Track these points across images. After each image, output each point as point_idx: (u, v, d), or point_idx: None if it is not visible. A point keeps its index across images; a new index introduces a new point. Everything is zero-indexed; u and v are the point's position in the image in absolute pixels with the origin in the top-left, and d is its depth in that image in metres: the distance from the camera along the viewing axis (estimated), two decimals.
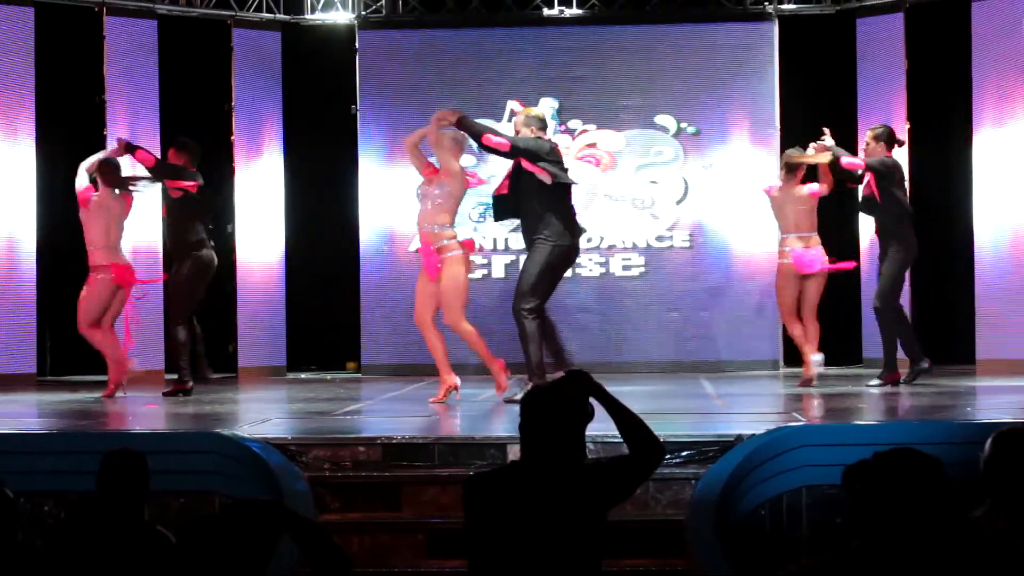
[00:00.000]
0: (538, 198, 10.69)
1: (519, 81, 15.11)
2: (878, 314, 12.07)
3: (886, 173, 11.89)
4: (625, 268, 15.04)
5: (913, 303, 14.18)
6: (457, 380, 11.06)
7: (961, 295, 14.34)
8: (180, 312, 12.17)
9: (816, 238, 12.37)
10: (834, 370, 13.61)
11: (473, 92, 15.03)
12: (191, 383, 12.05)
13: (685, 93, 15.04)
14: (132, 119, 14.47)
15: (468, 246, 11.11)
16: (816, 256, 12.30)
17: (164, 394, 11.97)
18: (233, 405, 11.98)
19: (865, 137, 12.29)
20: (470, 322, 10.99)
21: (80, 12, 14.48)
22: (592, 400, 4.98)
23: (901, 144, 12.35)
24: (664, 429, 8.41)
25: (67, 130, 14.26)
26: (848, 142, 14.33)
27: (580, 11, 15.25)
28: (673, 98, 15.05)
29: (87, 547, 5.44)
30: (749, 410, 10.83)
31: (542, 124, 11.02)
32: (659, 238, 15.01)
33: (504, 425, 9.23)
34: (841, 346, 14.35)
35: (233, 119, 15.00)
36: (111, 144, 12.86)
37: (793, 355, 13.65)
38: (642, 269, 15.01)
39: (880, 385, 11.88)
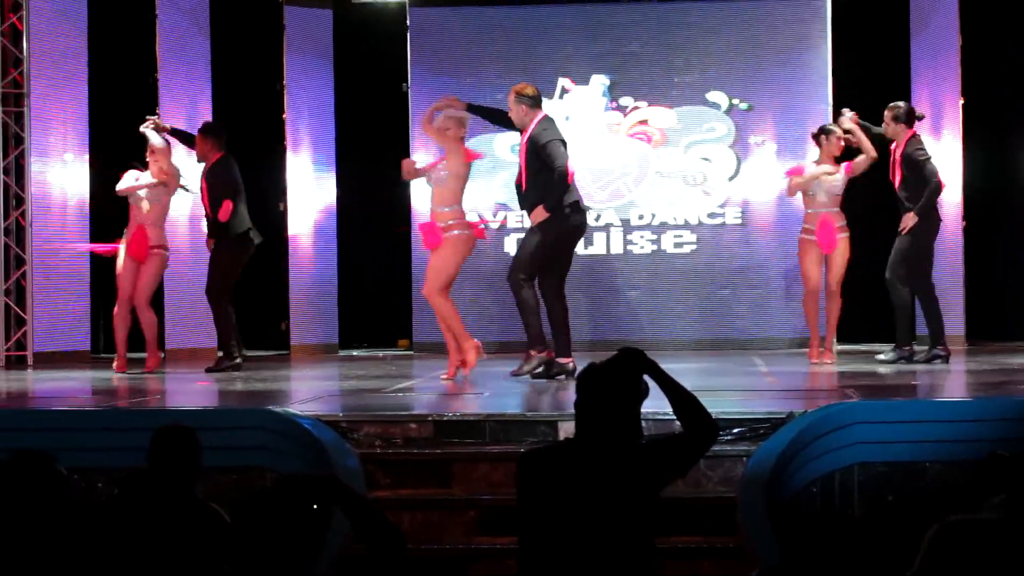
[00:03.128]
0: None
1: (570, 58, 15.08)
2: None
3: None
4: (677, 245, 14.98)
5: (967, 278, 14.12)
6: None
7: (1016, 270, 14.24)
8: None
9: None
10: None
11: (524, 69, 14.99)
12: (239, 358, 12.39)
13: (737, 69, 14.95)
14: (185, 98, 14.52)
15: (475, 230, 11.17)
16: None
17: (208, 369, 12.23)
18: (285, 382, 12.04)
19: (884, 117, 12.21)
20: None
21: None
22: (646, 378, 4.97)
23: (921, 118, 12.24)
24: (715, 406, 8.36)
25: (120, 110, 14.30)
26: None
27: None
28: (725, 74, 14.96)
29: (139, 523, 5.47)
30: (801, 387, 10.79)
31: (533, 101, 10.87)
32: (711, 215, 14.96)
33: (555, 402, 9.23)
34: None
35: (285, 98, 15.02)
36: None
37: (847, 333, 13.61)
38: (694, 246, 14.95)
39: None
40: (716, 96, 14.96)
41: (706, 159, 14.95)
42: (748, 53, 14.94)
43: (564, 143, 10.80)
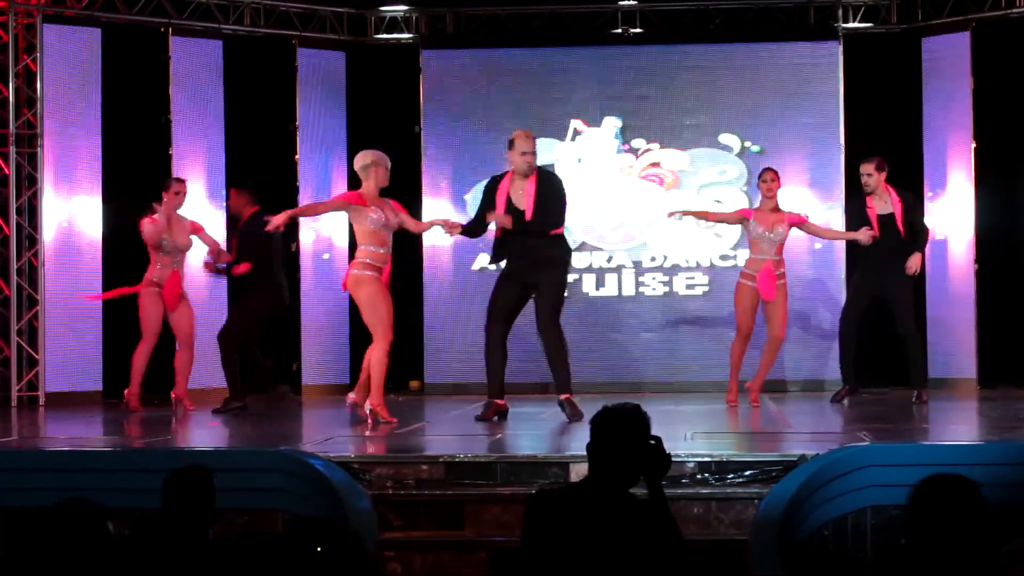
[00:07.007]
0: None
1: (583, 100, 15.12)
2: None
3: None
4: (688, 287, 14.99)
5: (979, 322, 14.10)
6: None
7: None
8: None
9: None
10: (900, 390, 13.51)
11: (536, 111, 15.05)
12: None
13: (750, 112, 14.98)
14: (198, 139, 14.57)
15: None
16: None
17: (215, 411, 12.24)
18: (297, 423, 12.03)
19: (867, 170, 12.27)
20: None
21: (146, 32, 14.59)
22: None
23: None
24: (728, 448, 8.39)
25: (133, 150, 14.34)
26: (914, 161, 14.28)
27: (644, 30, 15.23)
28: (737, 117, 14.99)
29: (152, 565, 5.45)
30: (813, 429, 10.77)
31: (511, 144, 11.07)
32: (723, 257, 14.96)
33: (567, 444, 9.21)
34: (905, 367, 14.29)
35: (297, 138, 15.07)
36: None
37: (860, 375, 13.57)
38: (706, 288, 14.96)
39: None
40: (728, 139, 14.98)
41: (718, 201, 14.96)
42: (760, 96, 14.97)
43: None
